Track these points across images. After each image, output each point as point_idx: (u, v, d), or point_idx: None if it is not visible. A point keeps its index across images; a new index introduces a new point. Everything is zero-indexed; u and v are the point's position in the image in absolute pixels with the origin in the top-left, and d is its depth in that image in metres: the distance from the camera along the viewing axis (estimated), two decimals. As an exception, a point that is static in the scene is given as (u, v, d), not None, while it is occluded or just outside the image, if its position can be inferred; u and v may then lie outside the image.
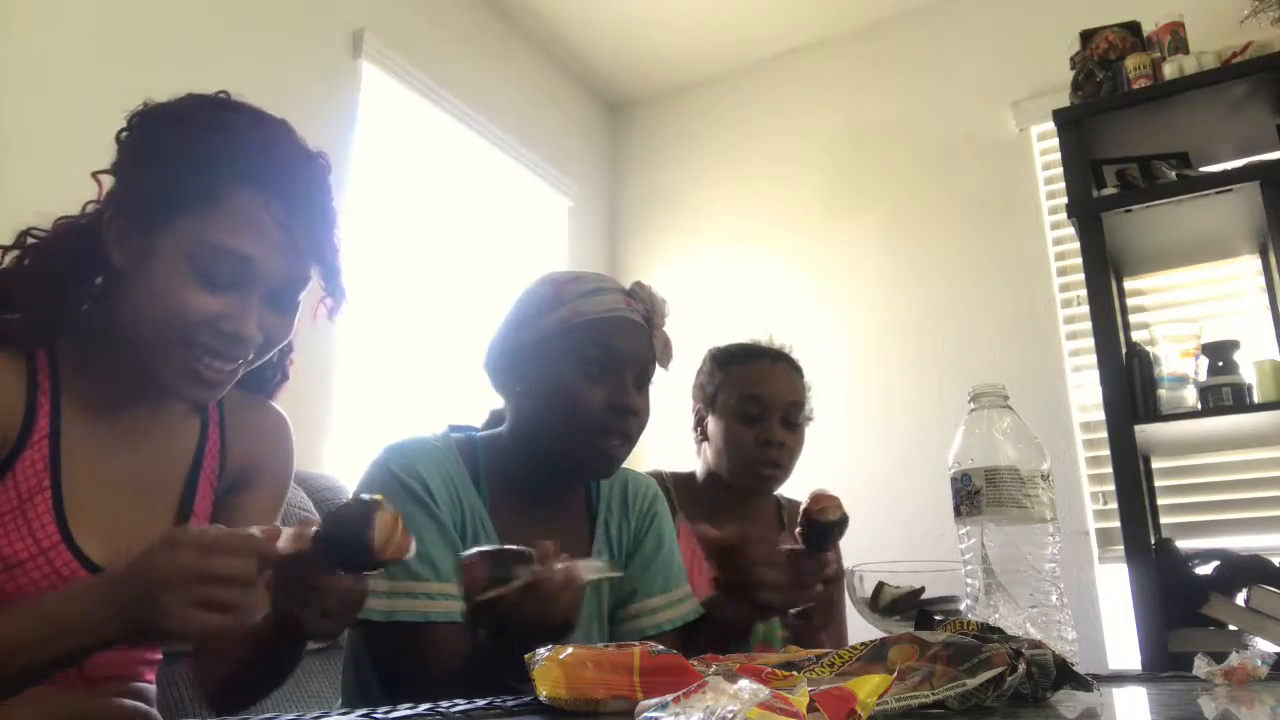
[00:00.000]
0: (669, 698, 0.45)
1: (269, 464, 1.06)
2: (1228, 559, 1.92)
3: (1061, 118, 2.26)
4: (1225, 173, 2.16)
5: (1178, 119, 2.24)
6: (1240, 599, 1.80)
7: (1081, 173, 2.22)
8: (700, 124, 3.58)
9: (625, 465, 1.20)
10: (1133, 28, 2.32)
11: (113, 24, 1.98)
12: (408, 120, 2.78)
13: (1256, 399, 2.02)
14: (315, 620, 0.78)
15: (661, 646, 0.63)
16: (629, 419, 1.08)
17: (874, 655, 0.67)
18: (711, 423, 1.61)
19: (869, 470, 2.84)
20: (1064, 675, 0.63)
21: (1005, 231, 2.89)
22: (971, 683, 0.56)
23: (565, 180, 3.41)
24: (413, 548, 0.76)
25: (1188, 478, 2.50)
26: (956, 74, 3.08)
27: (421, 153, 2.83)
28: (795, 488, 1.71)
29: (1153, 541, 2.05)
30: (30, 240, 0.93)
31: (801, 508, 1.17)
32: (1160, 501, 2.43)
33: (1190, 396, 2.07)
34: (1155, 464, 2.43)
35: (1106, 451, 2.08)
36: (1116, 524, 2.05)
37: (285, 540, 0.74)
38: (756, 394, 1.56)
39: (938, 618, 0.84)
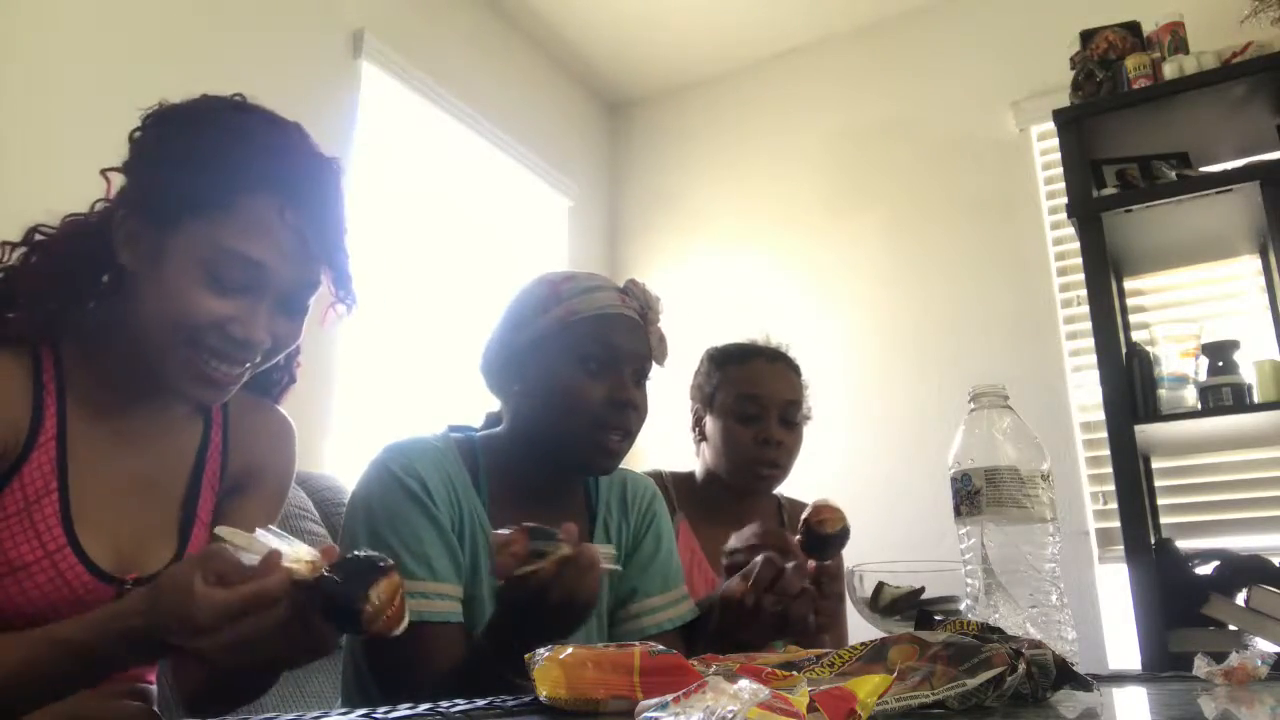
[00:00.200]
0: (669, 698, 0.45)
1: (271, 468, 1.06)
2: (1228, 559, 1.92)
3: (1061, 118, 2.26)
4: (1225, 173, 2.16)
5: (1178, 119, 2.24)
6: (1240, 599, 1.80)
7: (1081, 173, 2.22)
8: (700, 124, 3.58)
9: (624, 465, 1.20)
10: (1133, 28, 2.32)
11: (113, 23, 1.98)
12: (408, 120, 2.78)
13: (1256, 399, 2.02)
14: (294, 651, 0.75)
15: (661, 646, 0.63)
16: (629, 413, 1.09)
17: (874, 655, 0.67)
18: (709, 422, 1.61)
19: (869, 470, 2.84)
20: (1064, 675, 0.63)
21: (1005, 231, 2.89)
22: (971, 683, 0.56)
23: (565, 180, 3.41)
24: (405, 624, 0.74)
25: (1188, 478, 2.50)
26: (956, 74, 3.08)
27: (421, 153, 2.83)
28: (795, 488, 1.71)
29: (1153, 541, 2.05)
30: (39, 237, 0.93)
31: (803, 516, 1.17)
32: (1160, 501, 2.43)
33: (1190, 396, 2.07)
34: (1155, 464, 2.43)
35: (1106, 451, 2.09)
36: (1116, 524, 2.05)
37: (299, 568, 0.70)
38: (754, 393, 1.56)
39: (938, 618, 0.84)
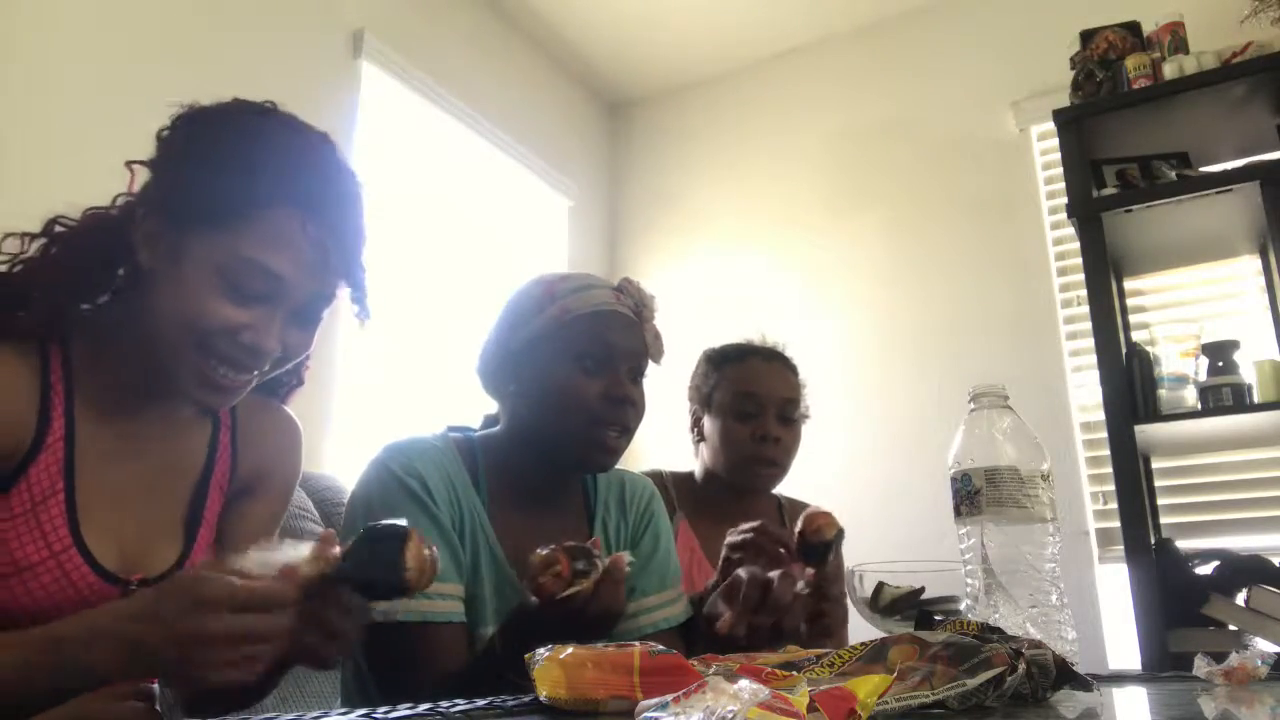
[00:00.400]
0: (669, 698, 0.45)
1: (279, 469, 1.06)
2: (1227, 559, 1.92)
3: (1061, 118, 2.26)
4: (1225, 173, 2.16)
5: (1178, 119, 2.24)
6: (1240, 599, 1.80)
7: (1081, 173, 2.22)
8: (700, 124, 3.58)
9: (623, 465, 1.20)
10: (1133, 28, 2.32)
11: (113, 24, 1.98)
12: (408, 120, 2.78)
13: (1256, 399, 2.02)
14: (325, 647, 0.75)
15: (661, 646, 0.63)
16: (626, 409, 1.09)
17: (874, 655, 0.67)
18: (708, 422, 1.62)
19: (869, 470, 2.84)
20: (1064, 675, 0.63)
21: (1005, 231, 2.89)
22: (971, 683, 0.56)
23: (565, 180, 3.41)
24: (439, 566, 0.76)
25: (1188, 478, 2.50)
26: (956, 74, 3.08)
27: (421, 153, 2.83)
28: (795, 488, 1.71)
29: (1153, 541, 2.05)
30: (58, 229, 0.92)
31: (797, 530, 1.17)
32: (1160, 501, 2.43)
33: (1190, 396, 2.07)
34: (1155, 464, 2.43)
35: (1106, 451, 2.09)
36: (1116, 524, 2.05)
37: (308, 565, 0.71)
38: (751, 391, 1.57)
39: (938, 618, 0.84)
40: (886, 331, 3.01)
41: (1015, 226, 2.88)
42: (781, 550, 1.16)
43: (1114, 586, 2.42)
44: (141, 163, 0.92)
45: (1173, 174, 2.23)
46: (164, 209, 0.87)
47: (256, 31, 2.30)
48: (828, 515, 1.18)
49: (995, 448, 0.92)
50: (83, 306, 0.91)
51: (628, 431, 1.10)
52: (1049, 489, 0.91)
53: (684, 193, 3.55)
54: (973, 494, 0.91)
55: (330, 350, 2.29)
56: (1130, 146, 2.31)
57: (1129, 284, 2.56)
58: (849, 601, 1.05)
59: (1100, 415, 2.12)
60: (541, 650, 0.63)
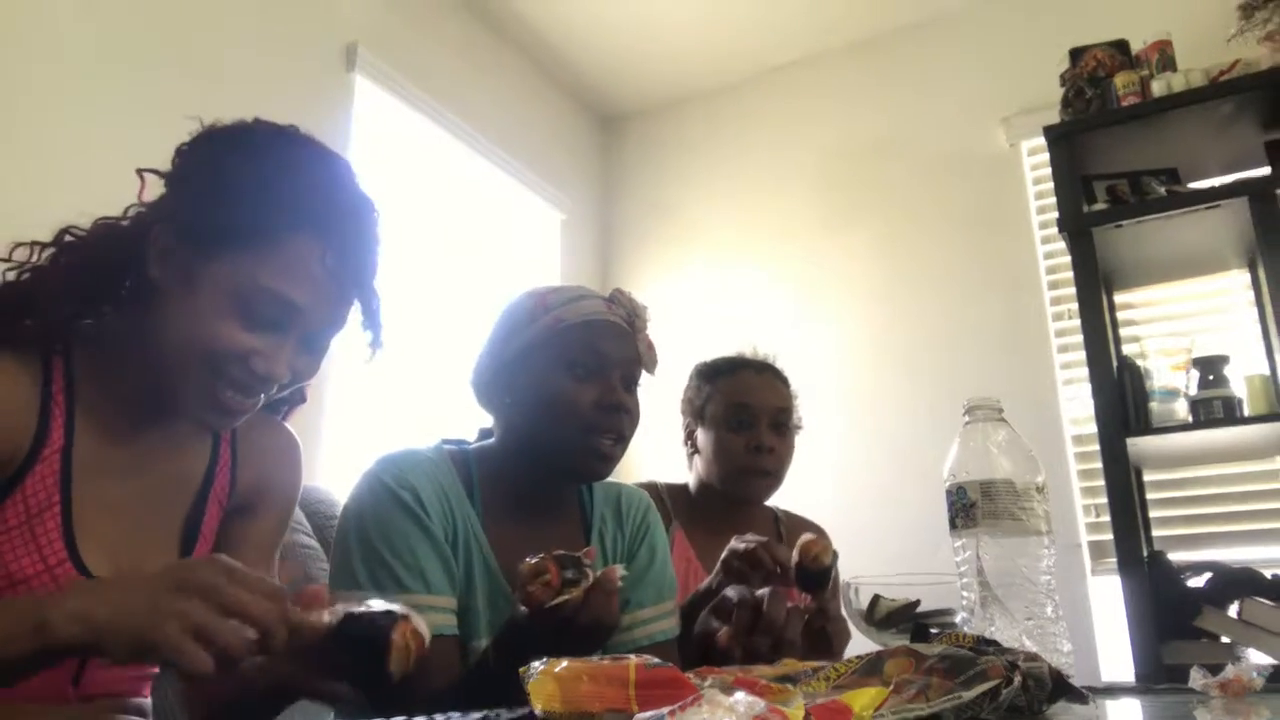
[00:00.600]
0: (665, 711, 0.45)
1: (279, 486, 1.05)
2: (1220, 571, 1.92)
3: (1052, 134, 2.28)
4: (1214, 188, 2.18)
5: (1167, 135, 2.26)
6: (1233, 611, 1.80)
7: (1072, 188, 2.24)
8: (693, 138, 3.60)
9: (617, 478, 1.20)
10: (1121, 46, 2.35)
11: (109, 38, 1.98)
12: (401, 134, 2.79)
13: (1246, 412, 2.03)
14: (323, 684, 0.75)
15: (657, 659, 0.63)
16: (620, 416, 1.09)
17: (870, 668, 0.66)
18: (701, 435, 1.62)
19: (864, 483, 2.84)
20: (1060, 688, 0.63)
21: (997, 246, 2.90)
22: (967, 695, 0.56)
23: (558, 194, 3.41)
24: (427, 644, 0.75)
25: (1179, 490, 2.51)
26: (948, 90, 3.11)
27: (414, 166, 2.83)
28: (791, 501, 1.71)
29: (1145, 554, 2.05)
30: (68, 239, 0.91)
31: (794, 561, 1.17)
32: (1152, 514, 2.44)
33: (1181, 409, 2.08)
34: (1147, 476, 2.44)
35: (1098, 464, 2.09)
36: (1109, 536, 2.06)
37: (302, 615, 0.70)
38: (744, 402, 1.58)
39: (933, 630, 0.84)
40: (880, 345, 3.01)
41: (1006, 241, 2.89)
42: (778, 570, 1.16)
43: (1106, 599, 2.43)
44: (154, 171, 0.91)
45: (1162, 190, 2.25)
46: (181, 226, 0.86)
47: (251, 44, 2.31)
48: (821, 541, 1.18)
49: (990, 461, 0.92)
50: (88, 315, 0.90)
51: (622, 439, 1.10)
52: (1044, 502, 0.92)
53: (676, 206, 3.56)
54: (968, 507, 0.91)
55: (323, 363, 2.28)
56: (1120, 162, 2.33)
57: (1119, 298, 2.57)
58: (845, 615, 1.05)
59: (1092, 428, 2.13)
60: (536, 663, 0.62)
